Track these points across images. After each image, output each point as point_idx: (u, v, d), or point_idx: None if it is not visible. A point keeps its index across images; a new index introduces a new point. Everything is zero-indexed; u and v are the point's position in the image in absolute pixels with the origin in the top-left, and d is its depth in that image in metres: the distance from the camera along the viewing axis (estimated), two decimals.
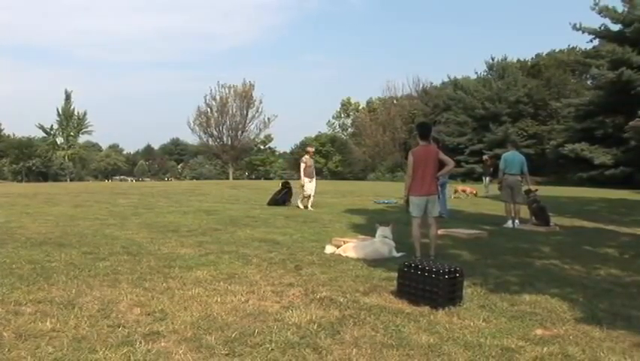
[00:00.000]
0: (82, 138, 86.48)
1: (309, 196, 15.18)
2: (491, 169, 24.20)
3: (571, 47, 55.45)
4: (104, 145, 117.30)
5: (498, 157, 16.23)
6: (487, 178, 23.92)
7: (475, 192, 22.02)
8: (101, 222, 11.18)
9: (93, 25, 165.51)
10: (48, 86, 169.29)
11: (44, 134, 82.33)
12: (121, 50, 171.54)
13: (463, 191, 21.85)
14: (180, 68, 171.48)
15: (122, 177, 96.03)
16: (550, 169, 44.03)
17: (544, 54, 58.51)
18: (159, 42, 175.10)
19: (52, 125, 79.78)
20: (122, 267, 6.54)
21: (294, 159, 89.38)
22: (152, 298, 5.14)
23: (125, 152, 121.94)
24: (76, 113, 79.58)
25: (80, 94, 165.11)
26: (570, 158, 40.95)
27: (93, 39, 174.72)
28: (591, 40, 41.76)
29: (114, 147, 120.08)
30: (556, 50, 57.24)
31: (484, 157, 28.38)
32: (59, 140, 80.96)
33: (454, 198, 20.62)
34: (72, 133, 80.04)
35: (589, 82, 48.80)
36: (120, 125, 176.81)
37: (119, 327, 4.29)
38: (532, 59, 58.76)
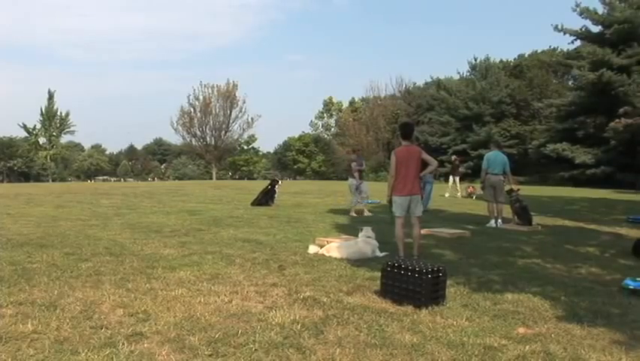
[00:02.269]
0: (64, 138, 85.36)
1: (367, 197, 14.36)
2: (459, 169, 24.43)
3: (552, 47, 56.09)
4: (87, 145, 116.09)
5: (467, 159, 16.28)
6: (457, 178, 23.99)
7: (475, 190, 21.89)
8: (84, 222, 11.09)
9: (76, 25, 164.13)
10: (31, 85, 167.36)
11: (26, 134, 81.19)
12: (104, 50, 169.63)
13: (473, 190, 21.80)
14: (164, 67, 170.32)
15: (104, 177, 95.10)
16: (533, 169, 44.40)
17: (526, 55, 59.00)
18: (143, 42, 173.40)
19: (34, 125, 78.74)
20: (104, 268, 6.49)
21: (277, 159, 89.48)
22: (135, 299, 5.11)
23: (107, 152, 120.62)
24: (59, 113, 78.62)
25: (63, 94, 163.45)
26: (552, 158, 41.35)
27: (76, 38, 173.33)
28: (572, 42, 42.37)
29: (97, 147, 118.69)
30: (539, 51, 57.72)
31: (453, 157, 28.48)
32: (41, 140, 79.77)
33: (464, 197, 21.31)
34: (54, 133, 78.86)
35: (570, 83, 49.32)
36: (103, 125, 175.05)
37: (102, 328, 4.26)
38: (514, 59, 59.23)
